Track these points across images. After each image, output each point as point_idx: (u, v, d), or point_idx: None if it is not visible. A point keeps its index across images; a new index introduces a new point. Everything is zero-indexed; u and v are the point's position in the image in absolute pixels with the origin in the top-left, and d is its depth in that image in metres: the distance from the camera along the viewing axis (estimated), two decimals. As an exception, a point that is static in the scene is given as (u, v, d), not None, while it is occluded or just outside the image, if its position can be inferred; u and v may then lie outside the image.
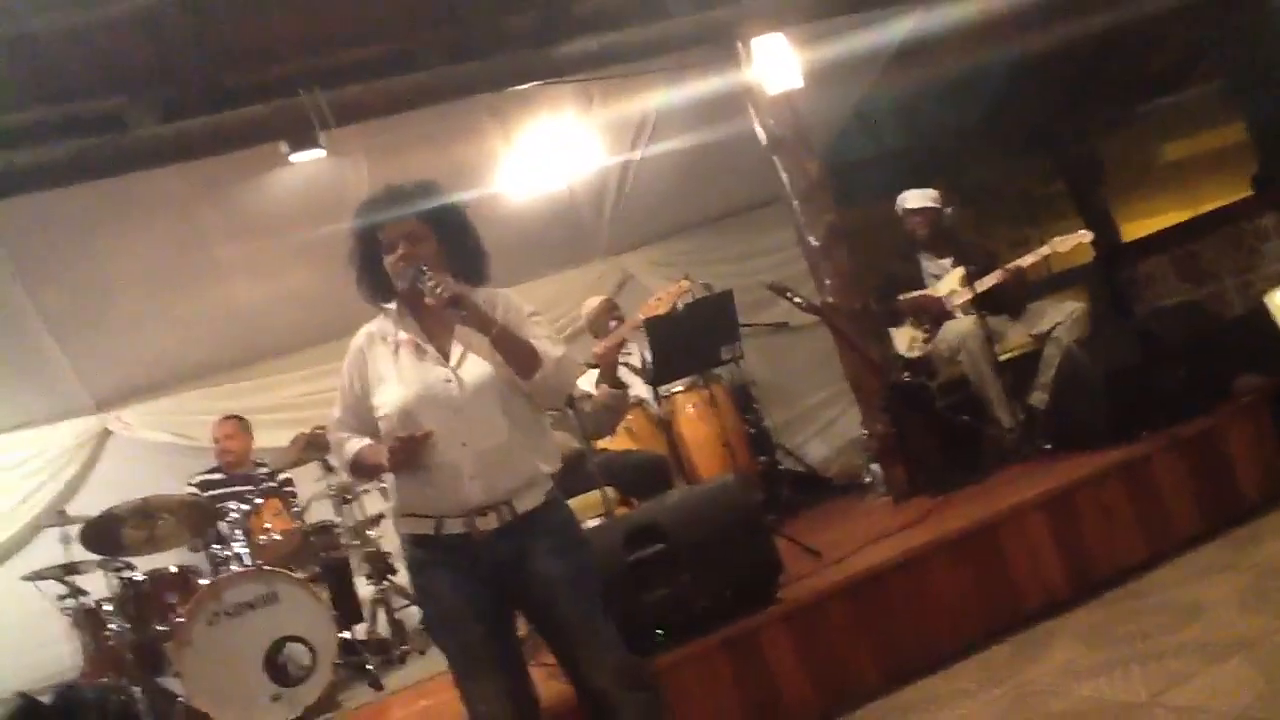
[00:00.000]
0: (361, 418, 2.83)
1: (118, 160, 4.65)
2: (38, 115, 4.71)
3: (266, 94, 4.85)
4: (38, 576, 5.19)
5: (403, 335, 2.82)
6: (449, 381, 2.73)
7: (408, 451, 2.63)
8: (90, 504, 5.51)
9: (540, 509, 2.76)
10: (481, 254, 2.87)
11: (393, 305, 2.90)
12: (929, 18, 6.26)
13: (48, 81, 4.62)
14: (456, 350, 2.80)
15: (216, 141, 4.83)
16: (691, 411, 6.10)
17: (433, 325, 2.83)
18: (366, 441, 2.81)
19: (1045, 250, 5.34)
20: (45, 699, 5.65)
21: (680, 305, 4.94)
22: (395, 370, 2.78)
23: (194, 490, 5.64)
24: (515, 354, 2.71)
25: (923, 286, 5.78)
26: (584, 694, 2.81)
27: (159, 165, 4.80)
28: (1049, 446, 4.94)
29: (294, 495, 5.89)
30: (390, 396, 2.75)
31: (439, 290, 2.65)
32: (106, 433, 6.42)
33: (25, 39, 4.35)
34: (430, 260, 2.73)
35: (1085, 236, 5.37)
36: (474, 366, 2.76)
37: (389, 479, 2.82)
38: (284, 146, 4.97)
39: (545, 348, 2.75)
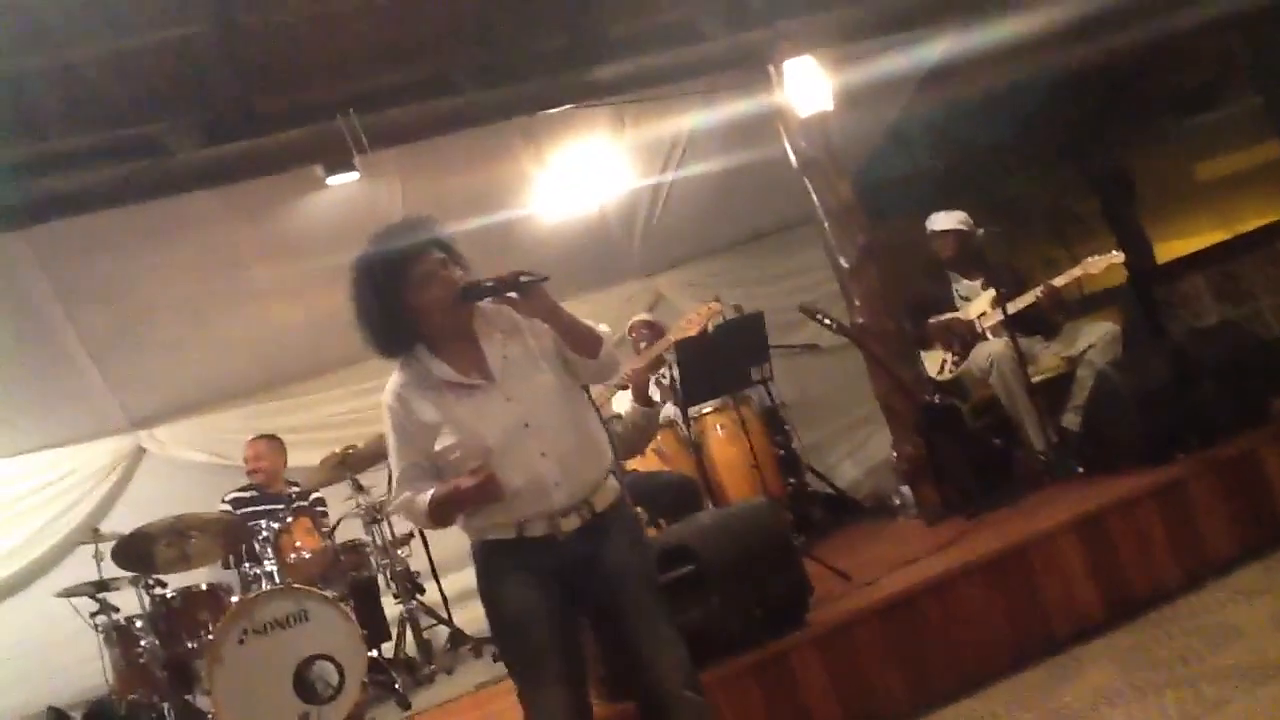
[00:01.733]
0: (423, 469, 2.79)
1: (157, 184, 4.74)
2: (78, 141, 4.80)
3: (302, 118, 4.92)
4: (70, 593, 5.25)
5: (439, 377, 2.78)
6: (509, 400, 2.73)
7: (487, 490, 2.62)
8: (123, 522, 5.55)
9: (614, 505, 2.83)
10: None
11: (413, 352, 2.85)
12: (961, 39, 6.26)
13: (88, 108, 4.71)
14: (496, 365, 2.78)
15: (253, 165, 4.91)
16: (721, 433, 6.09)
17: (461, 355, 2.80)
18: (432, 489, 2.73)
19: (1077, 271, 5.29)
20: (76, 715, 5.72)
21: (711, 327, 4.93)
22: (449, 412, 2.75)
23: (226, 508, 5.69)
24: (583, 338, 2.78)
25: (953, 307, 5.75)
26: (641, 688, 2.77)
27: (197, 189, 4.89)
28: (1081, 469, 4.88)
29: (325, 514, 5.92)
30: (457, 437, 2.73)
31: (525, 279, 2.65)
32: (141, 451, 6.50)
33: (66, 67, 4.44)
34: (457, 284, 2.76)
35: (1117, 257, 5.31)
36: (522, 378, 2.77)
37: None
38: (320, 170, 5.04)
39: (599, 330, 2.85)
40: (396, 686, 5.28)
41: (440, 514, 2.73)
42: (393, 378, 2.86)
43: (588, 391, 2.98)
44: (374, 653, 5.40)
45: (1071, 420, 5.26)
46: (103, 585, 5.26)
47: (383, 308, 2.76)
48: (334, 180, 5.08)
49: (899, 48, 6.12)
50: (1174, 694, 3.19)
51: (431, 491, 2.71)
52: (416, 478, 2.78)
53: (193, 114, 4.86)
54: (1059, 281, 5.35)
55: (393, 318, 2.77)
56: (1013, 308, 5.27)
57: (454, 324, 2.78)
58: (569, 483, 2.73)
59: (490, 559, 2.81)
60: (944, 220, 5.74)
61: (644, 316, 6.19)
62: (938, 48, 6.34)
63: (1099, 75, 7.60)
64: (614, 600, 2.75)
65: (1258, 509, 4.35)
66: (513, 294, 2.67)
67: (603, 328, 2.86)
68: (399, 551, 5.84)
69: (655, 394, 5.29)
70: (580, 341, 2.77)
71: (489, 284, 2.68)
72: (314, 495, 5.97)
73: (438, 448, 2.75)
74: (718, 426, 6.10)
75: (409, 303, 2.75)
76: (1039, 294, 5.32)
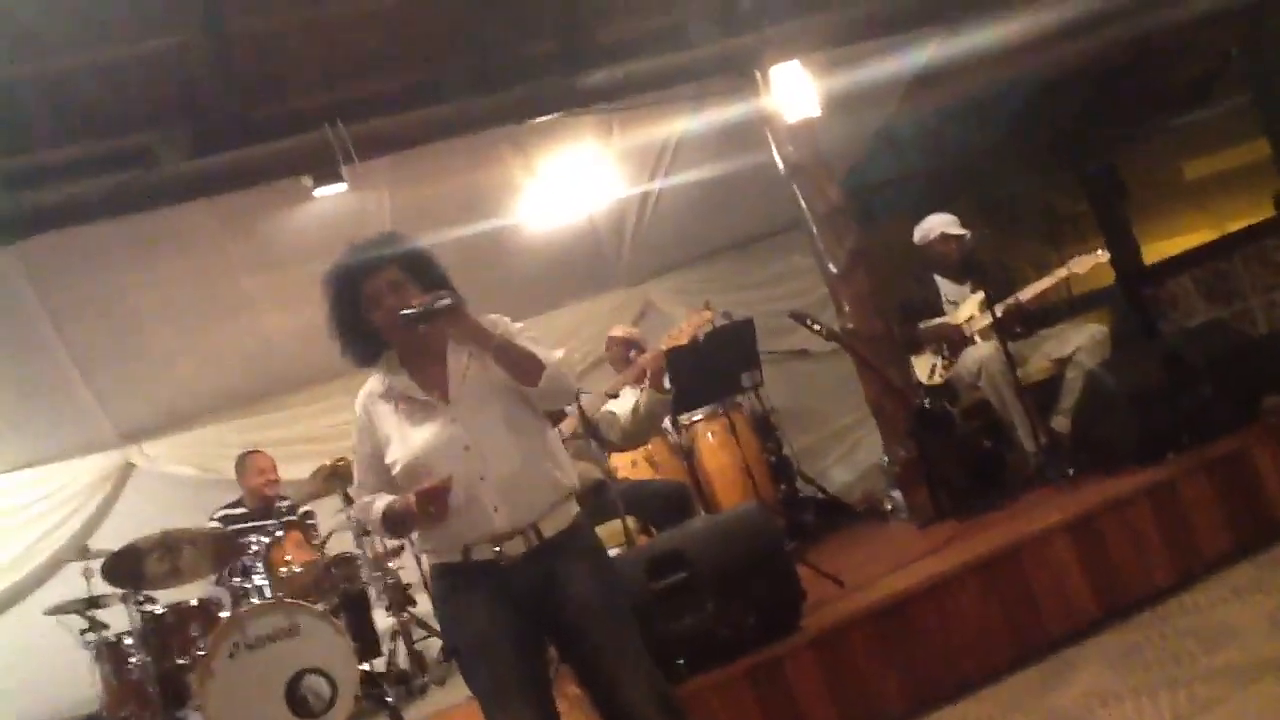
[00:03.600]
0: (381, 477, 2.81)
1: (145, 196, 4.72)
2: (66, 153, 4.77)
3: (291, 128, 4.91)
4: (60, 610, 5.21)
5: (400, 390, 2.80)
6: (453, 422, 2.72)
7: (433, 501, 2.60)
8: (113, 538, 5.51)
9: (567, 531, 2.74)
10: (452, 288, 2.81)
11: (382, 362, 2.87)
12: (949, 42, 6.28)
13: (76, 119, 4.70)
14: (454, 385, 2.77)
15: (241, 176, 4.90)
16: (712, 440, 6.09)
17: (425, 369, 2.80)
18: (389, 498, 2.75)
19: (1062, 273, 5.29)
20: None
21: (701, 335, 4.93)
22: (399, 427, 2.77)
23: (216, 525, 5.65)
24: (517, 364, 2.69)
25: (941, 312, 5.75)
26: (611, 717, 2.76)
27: (185, 200, 4.88)
28: (1072, 471, 4.88)
29: (315, 527, 5.89)
30: (399, 454, 2.74)
31: (441, 303, 2.64)
32: (130, 466, 6.46)
33: (54, 77, 4.42)
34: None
35: (1102, 257, 5.31)
36: (475, 400, 2.75)
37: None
38: (308, 180, 5.02)
39: (543, 351, 2.72)
40: (389, 699, 5.24)
41: (391, 527, 2.76)
42: (367, 383, 2.89)
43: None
44: (366, 666, 5.36)
45: (1061, 422, 5.26)
46: (92, 602, 5.23)
47: (344, 321, 2.81)
48: (321, 192, 5.05)
49: (886, 52, 6.12)
50: (1168, 694, 3.19)
51: (385, 502, 2.74)
52: (375, 486, 2.82)
53: (182, 124, 4.84)
54: (1042, 285, 5.36)
55: (355, 331, 2.81)
56: (1001, 310, 5.26)
57: (417, 342, 2.77)
58: (508, 508, 2.68)
59: (441, 581, 2.81)
60: (946, 223, 5.71)
61: (619, 332, 6.12)
62: (925, 51, 6.35)
63: (1087, 76, 7.62)
64: (576, 629, 2.70)
65: (1249, 507, 4.35)
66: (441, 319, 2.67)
67: (556, 353, 2.76)
68: (390, 564, 5.82)
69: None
70: (515, 368, 2.70)
71: (413, 311, 2.66)
72: (303, 509, 5.94)
73: (387, 460, 2.77)
74: (709, 433, 6.10)
75: (366, 319, 2.78)
76: (1019, 302, 5.34)
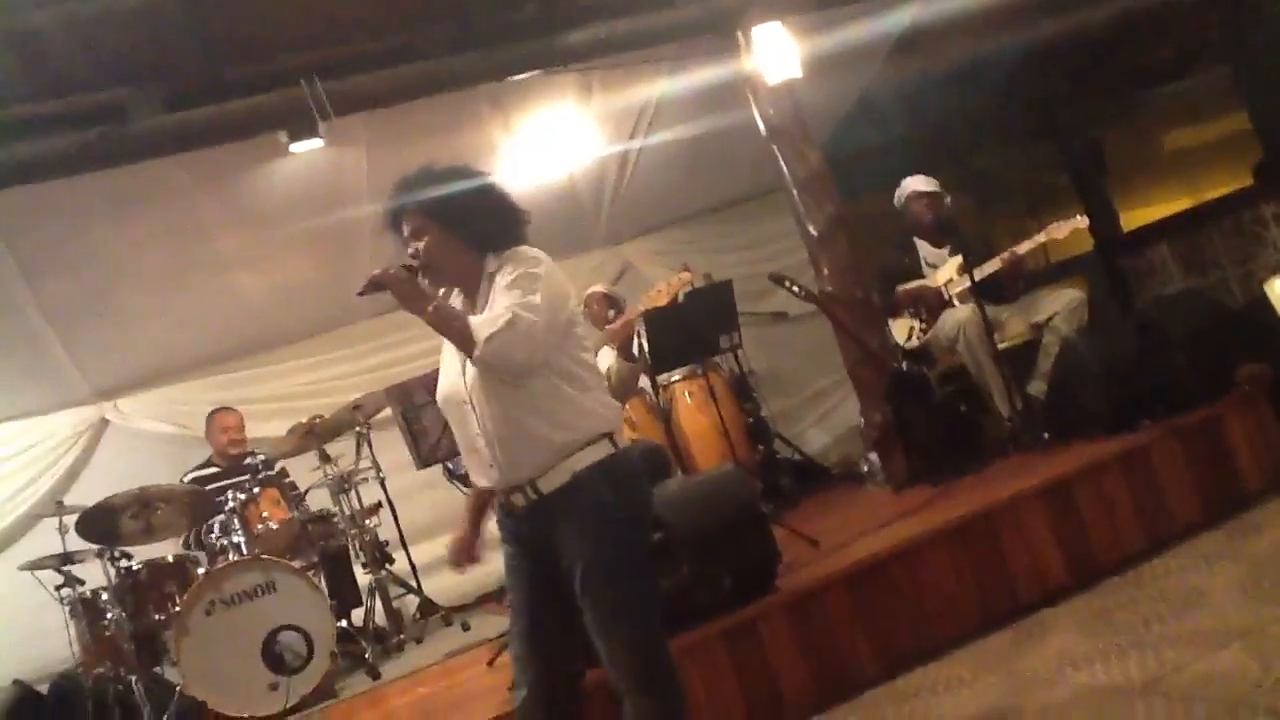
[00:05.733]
0: None
1: (118, 152, 4.65)
2: (39, 108, 4.69)
3: (267, 85, 4.84)
4: (35, 566, 5.20)
5: None
6: (461, 374, 2.73)
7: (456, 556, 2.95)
8: (87, 494, 5.49)
9: (565, 488, 2.66)
10: (496, 219, 2.76)
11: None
12: (931, 7, 6.24)
13: (49, 74, 4.60)
14: None
15: (216, 131, 4.84)
16: (690, 401, 6.09)
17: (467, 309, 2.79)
18: None
19: (1041, 237, 5.29)
20: (42, 688, 5.67)
21: (681, 296, 4.92)
22: (444, 358, 2.85)
23: (188, 485, 5.62)
24: (451, 335, 2.67)
25: (921, 276, 5.76)
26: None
27: (159, 156, 4.81)
28: (1047, 436, 4.92)
29: (292, 484, 5.88)
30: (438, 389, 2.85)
31: (372, 279, 2.67)
32: (104, 422, 6.42)
33: (27, 32, 4.34)
34: (434, 250, 2.71)
35: (1081, 222, 5.31)
36: None
37: None
38: (283, 136, 4.96)
39: (478, 324, 2.60)
40: (366, 656, 5.26)
41: None
42: None
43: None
44: (344, 622, 5.38)
45: (1038, 388, 5.30)
46: (67, 558, 5.22)
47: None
48: (298, 147, 4.99)
49: (868, 15, 6.08)
50: (1136, 655, 3.24)
51: None
52: None
53: (156, 80, 4.75)
54: (1023, 248, 5.36)
55: None
56: (979, 274, 5.28)
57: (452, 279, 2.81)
58: (501, 465, 2.68)
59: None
60: (921, 182, 5.73)
61: (599, 288, 6.13)
62: (907, 14, 6.31)
63: (1070, 45, 7.59)
64: (570, 588, 2.68)
65: (1221, 476, 4.42)
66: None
67: (490, 316, 2.61)
68: (367, 521, 5.82)
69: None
70: (452, 340, 2.69)
71: (363, 286, 2.69)
72: (278, 466, 5.93)
73: None
74: (686, 394, 6.11)
75: None
76: (1002, 259, 5.35)
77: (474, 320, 2.61)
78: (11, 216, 5.00)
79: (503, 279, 2.66)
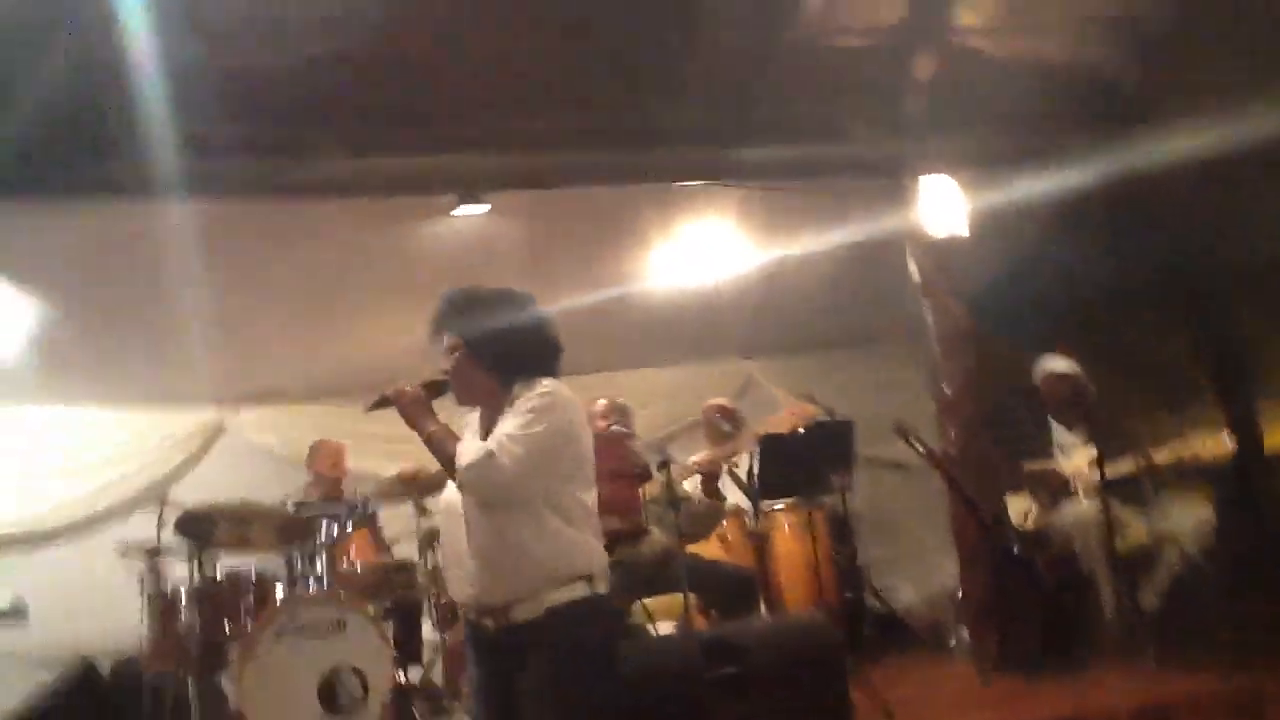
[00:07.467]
0: None
1: (299, 185, 4.88)
2: (235, 129, 4.90)
3: (445, 147, 5.01)
4: (127, 550, 5.33)
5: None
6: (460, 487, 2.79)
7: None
8: (186, 495, 5.67)
9: (540, 624, 2.64)
10: (526, 350, 2.84)
11: None
12: (1101, 173, 6.17)
13: (249, 100, 4.82)
14: None
15: (391, 183, 5.04)
16: (788, 532, 5.99)
17: (483, 424, 2.86)
18: None
19: (1185, 451, 5.13)
20: (104, 668, 5.79)
21: (802, 428, 4.89)
22: None
23: (288, 507, 5.70)
24: (439, 461, 2.75)
25: (1049, 455, 5.60)
26: None
27: (336, 196, 5.04)
28: (1153, 653, 4.69)
29: (380, 529, 5.94)
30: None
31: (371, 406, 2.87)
32: (220, 429, 6.62)
33: (236, 55, 4.58)
34: (462, 371, 2.82)
35: (1228, 443, 5.14)
36: None
37: None
38: (451, 199, 5.13)
39: (465, 450, 2.67)
40: (415, 714, 5.24)
41: None
42: None
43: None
44: (401, 676, 5.36)
45: (1150, 600, 5.07)
46: (157, 551, 5.34)
47: None
48: (462, 211, 5.16)
49: (1037, 175, 6.02)
50: None
51: None
52: None
53: (344, 125, 4.95)
54: (1160, 456, 5.19)
55: None
56: (1112, 472, 5.12)
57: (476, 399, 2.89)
58: (478, 584, 2.72)
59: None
60: (1061, 364, 5.62)
61: (721, 401, 6.15)
62: (1076, 179, 6.24)
63: (1235, 230, 7.34)
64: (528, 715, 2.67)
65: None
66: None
67: (472, 447, 2.68)
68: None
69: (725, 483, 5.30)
70: (440, 463, 2.76)
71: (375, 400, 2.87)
72: (373, 508, 6.00)
73: None
74: (786, 525, 6.01)
75: None
76: (1136, 464, 5.18)
77: (461, 447, 2.69)
78: (197, 219, 5.24)
79: (512, 410, 2.73)
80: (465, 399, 2.88)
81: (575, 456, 2.75)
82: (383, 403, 2.83)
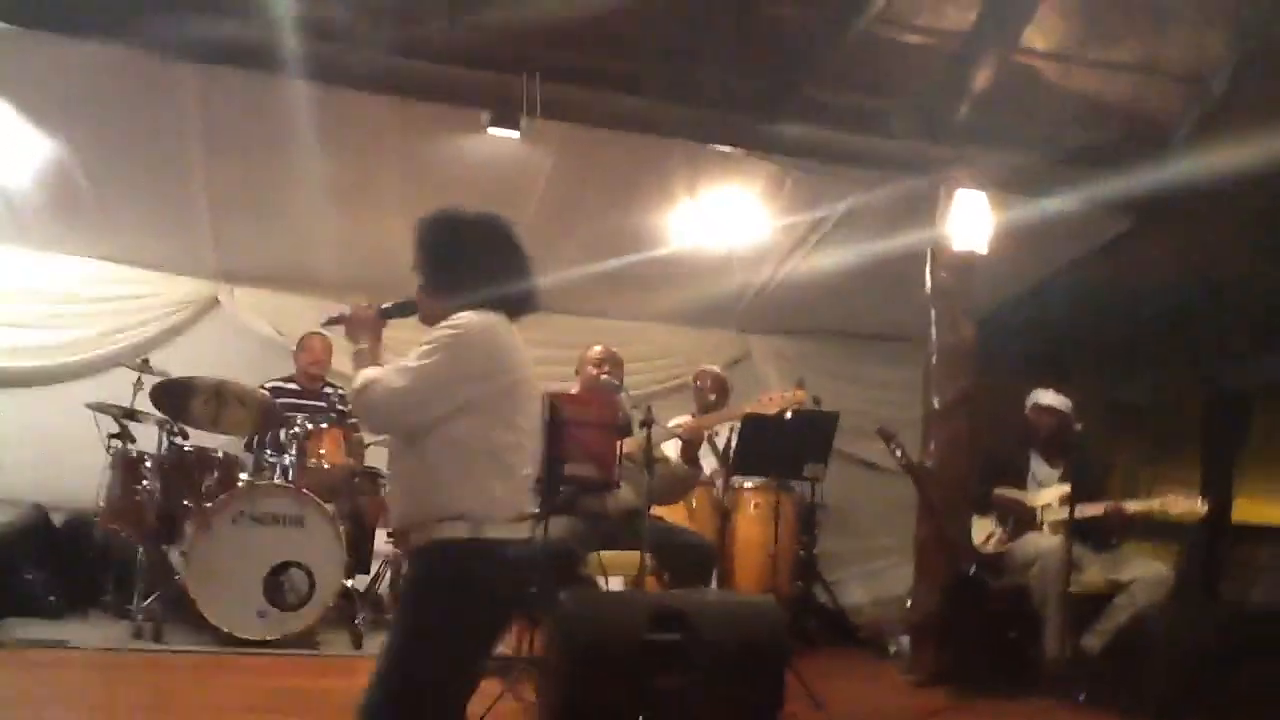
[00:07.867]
0: None
1: (333, 72, 4.80)
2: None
3: (490, 63, 4.95)
4: (100, 408, 5.32)
5: None
6: None
7: None
8: (169, 361, 5.66)
9: (421, 549, 2.62)
10: (442, 269, 2.71)
11: None
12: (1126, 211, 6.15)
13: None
14: None
15: (428, 87, 4.96)
16: (753, 511, 6.02)
17: None
18: None
19: (1155, 505, 5.15)
20: (57, 519, 5.80)
21: (789, 413, 4.89)
22: None
23: (265, 393, 5.69)
24: None
25: (1023, 486, 5.63)
26: None
27: (370, 91, 4.98)
28: (1083, 697, 4.74)
29: (356, 429, 5.93)
30: None
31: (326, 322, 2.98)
32: (215, 302, 6.58)
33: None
34: (420, 291, 2.75)
35: (1200, 508, 5.15)
36: None
37: None
38: (485, 117, 5.07)
39: (361, 377, 2.60)
40: (356, 621, 5.27)
41: None
42: None
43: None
44: (349, 582, 5.38)
45: (1092, 643, 5.12)
46: (131, 413, 5.34)
47: None
48: (495, 132, 5.10)
49: (1065, 205, 5.98)
50: None
51: None
52: None
53: (392, 20, 4.88)
54: (1131, 507, 5.22)
55: None
56: (1080, 512, 5.14)
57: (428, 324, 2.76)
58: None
59: None
60: (1053, 398, 5.62)
61: (711, 368, 6.17)
62: (1101, 217, 6.22)
63: (1257, 296, 7.29)
64: None
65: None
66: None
67: (365, 373, 2.60)
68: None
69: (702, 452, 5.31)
70: None
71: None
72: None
73: None
74: (752, 504, 6.04)
75: None
76: (1106, 509, 5.20)
77: (361, 372, 2.63)
78: (217, 93, 5.16)
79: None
80: (426, 323, 2.73)
81: (485, 394, 2.57)
82: (337, 320, 2.84)
